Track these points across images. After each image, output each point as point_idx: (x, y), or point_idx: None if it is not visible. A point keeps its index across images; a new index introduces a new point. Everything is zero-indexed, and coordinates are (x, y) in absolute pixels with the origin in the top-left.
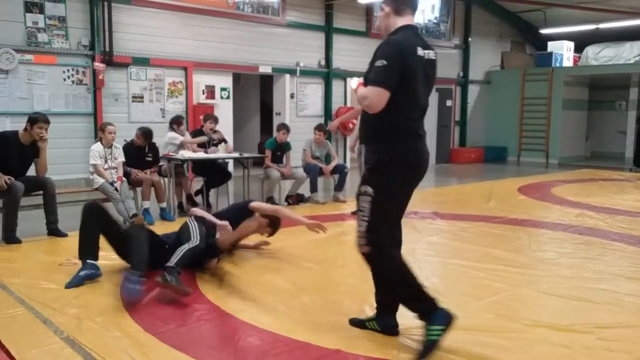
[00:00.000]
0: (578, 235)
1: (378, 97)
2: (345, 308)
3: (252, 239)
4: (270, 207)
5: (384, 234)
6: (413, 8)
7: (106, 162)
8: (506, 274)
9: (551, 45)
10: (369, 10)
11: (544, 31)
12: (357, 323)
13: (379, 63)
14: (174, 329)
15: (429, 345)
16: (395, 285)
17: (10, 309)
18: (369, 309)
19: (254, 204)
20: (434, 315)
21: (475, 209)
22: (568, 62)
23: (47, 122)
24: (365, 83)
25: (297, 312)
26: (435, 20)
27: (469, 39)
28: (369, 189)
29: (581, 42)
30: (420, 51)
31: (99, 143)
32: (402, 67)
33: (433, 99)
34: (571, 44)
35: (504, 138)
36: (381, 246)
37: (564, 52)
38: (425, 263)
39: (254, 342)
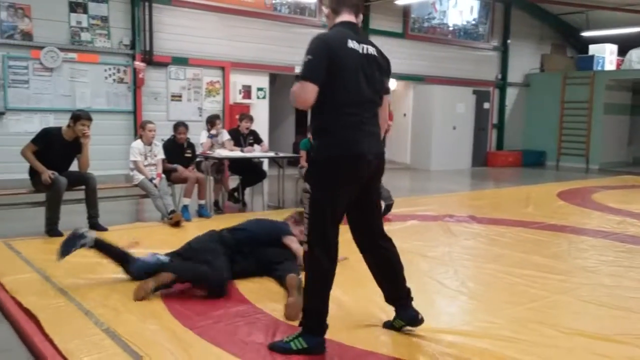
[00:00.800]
0: (620, 243)
1: (304, 91)
2: (379, 310)
3: None
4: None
5: (321, 235)
6: (350, 6)
7: (146, 159)
8: (545, 281)
9: (593, 49)
10: (406, 12)
11: (585, 34)
12: (389, 326)
13: (305, 59)
14: (211, 324)
15: (284, 347)
16: (311, 284)
17: (54, 300)
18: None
19: (293, 243)
20: (311, 337)
21: (512, 213)
22: (610, 65)
23: (90, 119)
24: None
25: (333, 311)
26: (473, 22)
27: (508, 41)
28: (307, 186)
29: (625, 45)
30: (352, 44)
31: (139, 140)
32: (327, 60)
33: (470, 101)
34: (614, 47)
35: (542, 142)
36: (313, 247)
37: (606, 55)
38: (462, 267)
39: None
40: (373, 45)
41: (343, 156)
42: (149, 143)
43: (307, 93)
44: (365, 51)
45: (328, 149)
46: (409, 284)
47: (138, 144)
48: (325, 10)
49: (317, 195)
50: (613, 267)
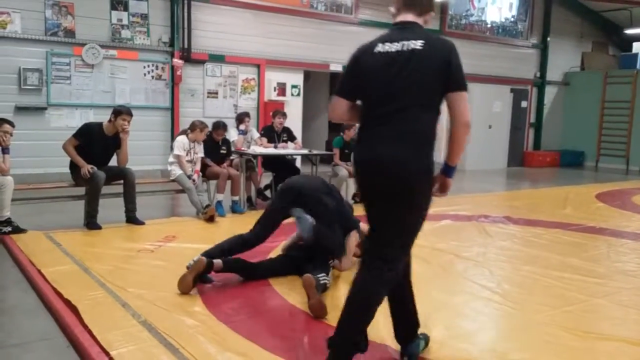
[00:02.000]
0: None
1: (332, 105)
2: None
3: None
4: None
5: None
6: (407, 5)
7: (187, 154)
8: (583, 284)
9: (637, 46)
10: (443, 8)
11: (629, 31)
12: None
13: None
14: (245, 319)
15: None
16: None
17: (93, 291)
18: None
19: (353, 247)
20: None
21: (549, 214)
22: None
23: (130, 114)
24: None
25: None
26: (512, 19)
27: (548, 39)
28: (420, 202)
29: None
30: (381, 47)
31: (184, 136)
32: (352, 73)
33: (507, 100)
34: None
35: (581, 142)
36: (398, 263)
37: None
38: (497, 268)
39: (322, 336)
40: (424, 38)
41: (361, 163)
42: (193, 140)
43: (334, 106)
44: (402, 48)
45: (357, 155)
46: (446, 285)
47: (184, 139)
48: (392, 10)
49: (426, 212)
50: None
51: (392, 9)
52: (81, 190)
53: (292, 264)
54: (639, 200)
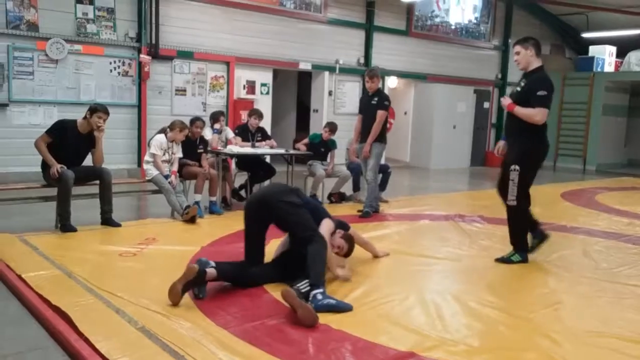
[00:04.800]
0: (632, 245)
1: (545, 115)
2: (419, 315)
3: None
4: (362, 238)
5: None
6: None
7: (164, 154)
8: (567, 283)
9: (592, 50)
10: (409, 10)
11: (585, 35)
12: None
13: (541, 93)
14: (244, 324)
15: (508, 260)
16: (520, 223)
17: (81, 297)
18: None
19: (328, 234)
20: (523, 252)
21: None
22: (610, 67)
23: (107, 113)
24: (532, 105)
25: (369, 312)
26: (475, 21)
27: (509, 40)
28: (517, 167)
29: (624, 47)
30: None
31: (163, 135)
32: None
33: (470, 100)
34: (613, 49)
35: None
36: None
37: (605, 57)
38: (486, 270)
39: (325, 340)
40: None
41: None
42: (172, 140)
43: (545, 116)
44: None
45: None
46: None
47: (162, 138)
48: (529, 51)
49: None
50: (631, 269)
51: (530, 51)
52: (51, 191)
53: (285, 270)
54: (602, 200)
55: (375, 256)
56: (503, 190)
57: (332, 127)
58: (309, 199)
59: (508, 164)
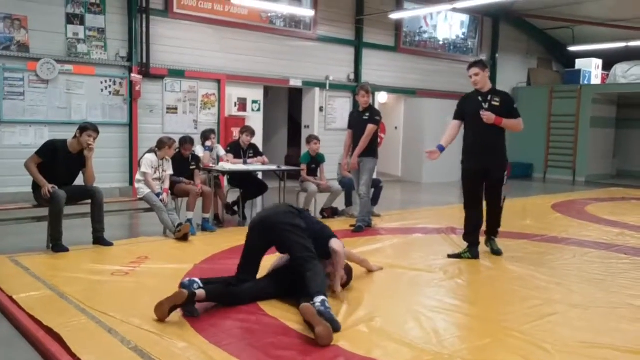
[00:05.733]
0: (623, 255)
1: (522, 125)
2: (413, 329)
3: None
4: (358, 256)
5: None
6: None
7: (155, 172)
8: (558, 294)
9: (579, 63)
10: (398, 26)
11: (572, 48)
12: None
13: (515, 105)
14: (239, 342)
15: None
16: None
17: (73, 317)
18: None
19: (342, 249)
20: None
21: (511, 226)
22: (596, 79)
23: (97, 131)
24: (514, 117)
25: (363, 327)
26: (463, 36)
27: (496, 55)
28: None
29: (610, 60)
30: None
31: (153, 154)
32: None
33: None
34: (599, 62)
35: (530, 155)
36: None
37: (592, 70)
38: (478, 283)
39: (320, 356)
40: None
41: None
42: (162, 158)
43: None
44: None
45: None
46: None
47: (152, 156)
48: (486, 72)
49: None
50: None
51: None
52: (42, 211)
53: (280, 286)
54: (593, 210)
55: (370, 271)
56: (480, 196)
57: (317, 138)
58: (314, 220)
59: (497, 178)
